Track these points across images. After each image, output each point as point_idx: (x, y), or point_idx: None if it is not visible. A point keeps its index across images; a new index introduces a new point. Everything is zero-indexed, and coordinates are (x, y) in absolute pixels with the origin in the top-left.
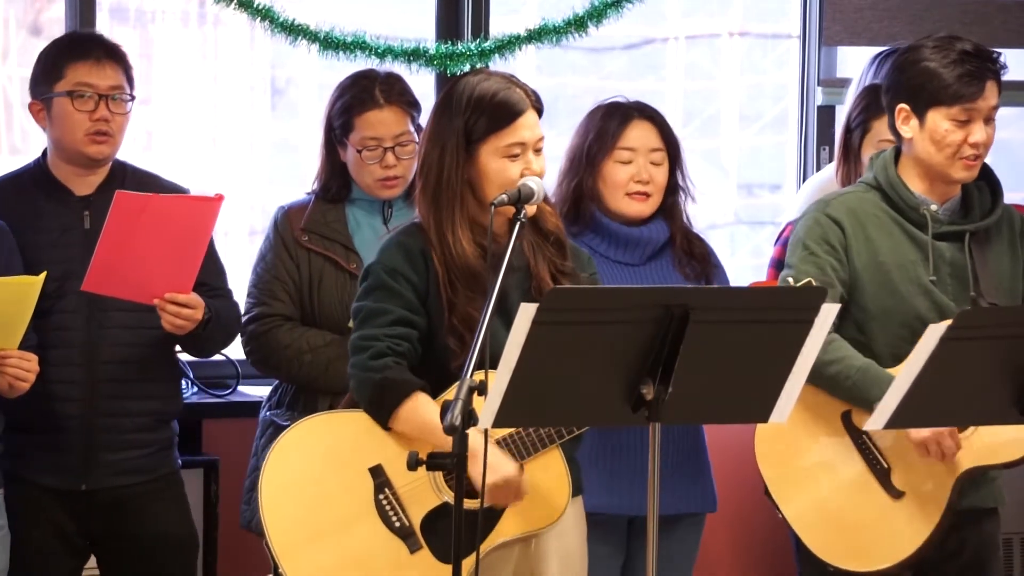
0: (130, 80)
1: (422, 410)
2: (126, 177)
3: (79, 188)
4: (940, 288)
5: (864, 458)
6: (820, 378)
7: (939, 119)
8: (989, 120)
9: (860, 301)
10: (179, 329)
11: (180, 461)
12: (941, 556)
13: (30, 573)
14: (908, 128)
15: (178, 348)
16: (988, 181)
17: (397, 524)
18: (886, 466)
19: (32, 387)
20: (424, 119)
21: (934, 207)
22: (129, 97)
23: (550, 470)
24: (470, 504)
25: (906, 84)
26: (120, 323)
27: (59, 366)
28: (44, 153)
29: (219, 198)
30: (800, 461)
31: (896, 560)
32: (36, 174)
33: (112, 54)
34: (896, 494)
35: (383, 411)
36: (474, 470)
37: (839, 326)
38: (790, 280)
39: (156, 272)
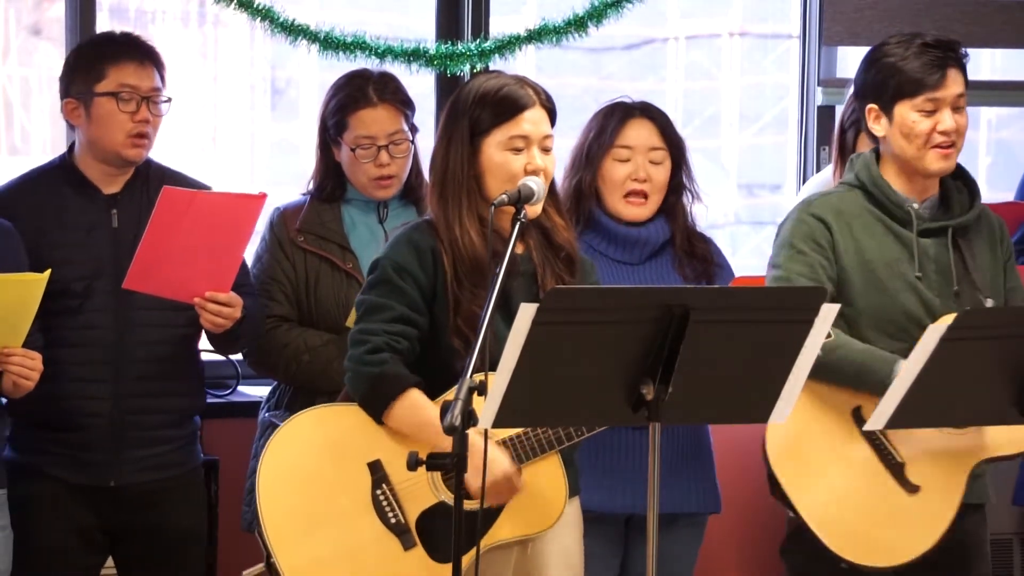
0: (163, 81)
1: (418, 408)
2: (150, 174)
3: (107, 186)
4: (926, 284)
5: (877, 453)
6: (822, 366)
7: (906, 111)
8: (957, 109)
9: (849, 298)
10: (218, 328)
11: (202, 456)
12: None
13: (49, 571)
14: (879, 127)
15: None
16: (965, 182)
17: (393, 520)
18: (900, 460)
19: (59, 385)
20: (419, 119)
21: (916, 205)
22: (166, 99)
23: (548, 475)
24: (468, 505)
25: (871, 83)
26: (147, 321)
27: (87, 364)
28: (70, 150)
29: (262, 196)
30: (813, 460)
31: (916, 554)
32: (64, 171)
33: (151, 56)
34: (911, 488)
35: (377, 405)
36: (470, 471)
37: None
38: (780, 282)
39: (197, 270)
